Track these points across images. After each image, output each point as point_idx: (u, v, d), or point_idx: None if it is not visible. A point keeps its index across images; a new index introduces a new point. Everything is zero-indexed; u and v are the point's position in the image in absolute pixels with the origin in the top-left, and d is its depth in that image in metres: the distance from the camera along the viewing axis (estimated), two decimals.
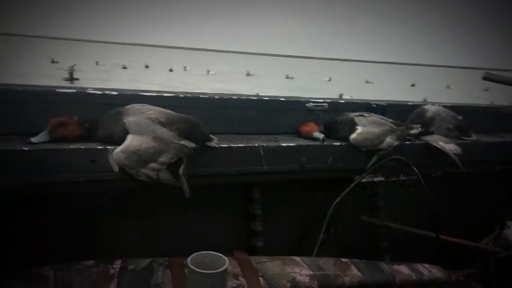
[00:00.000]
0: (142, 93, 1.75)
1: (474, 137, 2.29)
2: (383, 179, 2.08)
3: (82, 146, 1.46)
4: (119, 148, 1.47)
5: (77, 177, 1.44)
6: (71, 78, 17.79)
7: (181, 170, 1.55)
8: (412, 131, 2.07)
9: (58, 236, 1.61)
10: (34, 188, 1.40)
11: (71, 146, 1.44)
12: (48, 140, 1.45)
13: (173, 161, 1.52)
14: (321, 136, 1.89)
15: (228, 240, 1.93)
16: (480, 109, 2.65)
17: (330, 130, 1.98)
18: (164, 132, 1.53)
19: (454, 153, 2.04)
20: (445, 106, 2.32)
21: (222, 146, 1.66)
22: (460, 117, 2.28)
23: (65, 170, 1.41)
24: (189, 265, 1.26)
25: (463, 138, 2.24)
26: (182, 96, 1.83)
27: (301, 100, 2.07)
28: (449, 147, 2.06)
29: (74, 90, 1.66)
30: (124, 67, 30.41)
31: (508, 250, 2.01)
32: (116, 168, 1.47)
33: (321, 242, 1.91)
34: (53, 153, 1.40)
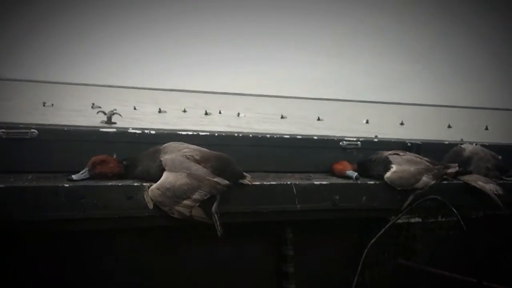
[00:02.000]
0: (179, 132, 1.82)
1: None
2: (420, 220, 2.01)
3: (119, 183, 1.52)
4: (154, 185, 1.52)
5: (113, 214, 1.48)
6: (110, 122, 18.55)
7: (214, 207, 1.56)
8: (449, 170, 2.02)
9: (84, 273, 1.63)
10: (73, 223, 1.45)
11: (109, 183, 1.50)
12: (87, 177, 1.53)
13: (206, 198, 1.54)
14: (355, 174, 1.88)
15: (259, 281, 1.89)
16: None
17: (364, 169, 1.96)
18: (198, 169, 1.57)
19: (495, 193, 1.96)
20: (483, 145, 2.26)
21: (255, 184, 1.68)
22: (500, 157, 2.20)
23: (103, 206, 1.46)
24: None
25: (504, 178, 2.15)
26: (217, 134, 1.88)
27: (335, 138, 2.08)
28: (489, 187, 1.98)
29: (115, 130, 1.75)
30: (160, 111, 31.58)
31: None
32: (151, 205, 1.50)
33: (356, 285, 1.83)
34: (92, 189, 1.46)
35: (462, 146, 2.21)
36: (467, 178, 2.04)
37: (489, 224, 2.13)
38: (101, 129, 1.73)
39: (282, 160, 1.96)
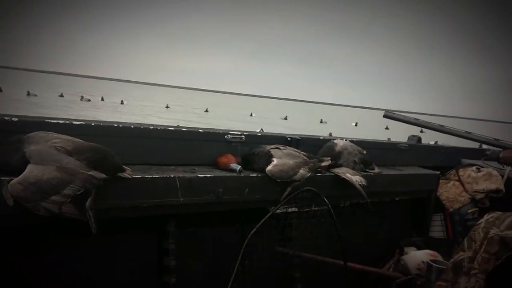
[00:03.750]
0: (49, 121, 1.62)
1: (376, 169, 2.48)
2: (296, 209, 2.15)
3: None
4: (15, 179, 1.33)
5: None
6: None
7: (88, 203, 1.44)
8: (323, 164, 2.19)
9: None
10: None
11: None
12: None
13: (79, 193, 1.41)
14: (238, 167, 1.91)
15: (138, 277, 1.82)
16: (381, 145, 2.91)
17: (247, 162, 2.01)
18: (70, 161, 1.42)
19: (360, 184, 2.19)
20: (351, 141, 2.50)
21: (135, 177, 1.59)
22: (365, 151, 2.46)
23: None
24: None
25: (367, 170, 2.42)
26: (93, 124, 1.73)
27: (220, 132, 2.09)
28: (355, 178, 2.20)
29: None
30: (29, 94, 28.22)
31: (406, 274, 2.16)
32: (10, 202, 1.32)
33: (236, 274, 1.88)
34: None
35: (334, 141, 2.42)
36: (337, 170, 2.24)
37: (354, 211, 2.38)
38: None
39: (166, 152, 1.90)
